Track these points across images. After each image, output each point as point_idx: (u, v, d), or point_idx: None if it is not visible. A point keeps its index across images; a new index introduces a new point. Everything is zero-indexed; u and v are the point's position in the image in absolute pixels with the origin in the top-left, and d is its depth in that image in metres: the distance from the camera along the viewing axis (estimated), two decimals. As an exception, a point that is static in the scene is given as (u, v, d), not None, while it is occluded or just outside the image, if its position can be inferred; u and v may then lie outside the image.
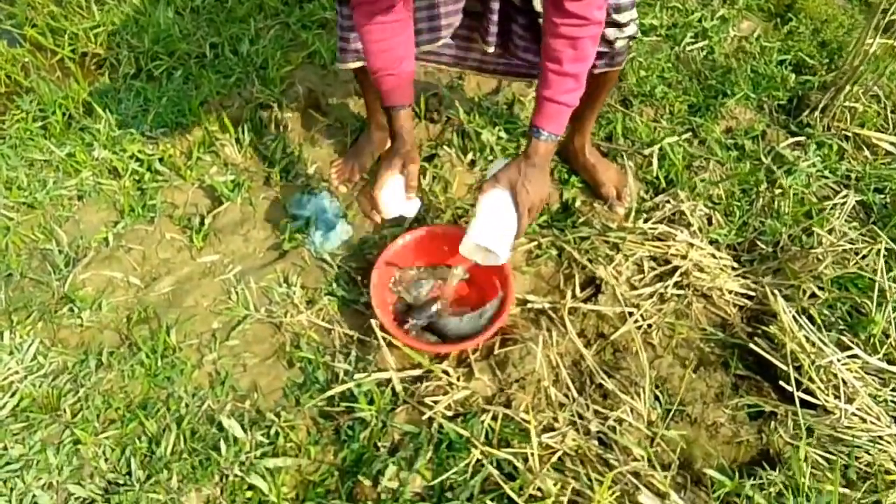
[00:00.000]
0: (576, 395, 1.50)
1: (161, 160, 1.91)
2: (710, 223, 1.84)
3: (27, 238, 1.73)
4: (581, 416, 1.47)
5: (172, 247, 1.75)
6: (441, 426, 1.40)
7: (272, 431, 1.38)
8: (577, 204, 1.89)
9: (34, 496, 1.23)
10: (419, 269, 1.71)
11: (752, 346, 1.56)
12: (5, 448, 1.30)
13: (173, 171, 1.90)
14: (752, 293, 1.71)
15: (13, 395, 1.39)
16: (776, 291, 1.62)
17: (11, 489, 1.23)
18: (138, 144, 1.93)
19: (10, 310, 1.54)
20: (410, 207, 1.51)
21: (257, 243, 1.79)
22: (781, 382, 1.50)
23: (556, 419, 1.45)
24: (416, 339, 1.53)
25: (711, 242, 1.79)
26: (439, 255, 1.69)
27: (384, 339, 1.51)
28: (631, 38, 1.58)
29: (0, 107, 2.15)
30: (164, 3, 2.44)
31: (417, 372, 1.50)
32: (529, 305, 1.65)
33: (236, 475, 1.27)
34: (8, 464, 1.28)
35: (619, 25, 1.54)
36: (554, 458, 1.37)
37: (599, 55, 1.61)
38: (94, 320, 1.56)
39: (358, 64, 1.66)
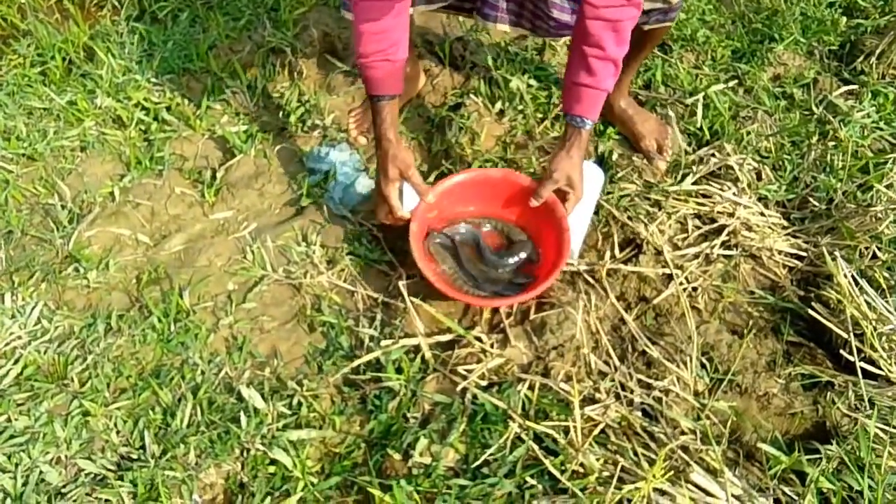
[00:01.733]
0: (617, 363, 1.40)
1: (168, 109, 1.79)
2: (758, 178, 1.71)
3: (27, 192, 1.62)
4: (623, 387, 1.37)
5: (183, 202, 1.63)
6: (475, 396, 1.30)
7: (294, 401, 1.28)
8: (615, 158, 1.76)
9: (41, 472, 1.14)
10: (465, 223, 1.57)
11: (808, 311, 1.45)
12: (9, 420, 1.21)
13: (182, 120, 1.77)
14: (805, 254, 1.59)
15: (16, 362, 1.29)
16: (833, 252, 1.50)
17: (16, 464, 1.14)
18: (143, 92, 1.80)
19: (12, 270, 1.44)
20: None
21: (273, 198, 1.68)
22: (840, 351, 1.39)
23: (597, 389, 1.35)
24: (446, 284, 1.42)
25: (760, 199, 1.67)
26: (489, 202, 1.56)
27: (412, 301, 1.40)
28: None
29: (-5, 51, 2.02)
30: (167, -60, 2.27)
31: (448, 337, 1.40)
32: (566, 268, 1.54)
33: (258, 449, 1.18)
34: (12, 437, 1.18)
35: None
36: (596, 432, 1.28)
37: (653, 11, 1.48)
38: (101, 281, 1.45)
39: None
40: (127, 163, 1.69)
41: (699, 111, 1.81)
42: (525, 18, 1.56)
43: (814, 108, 1.85)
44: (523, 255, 1.51)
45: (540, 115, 1.84)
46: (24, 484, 1.12)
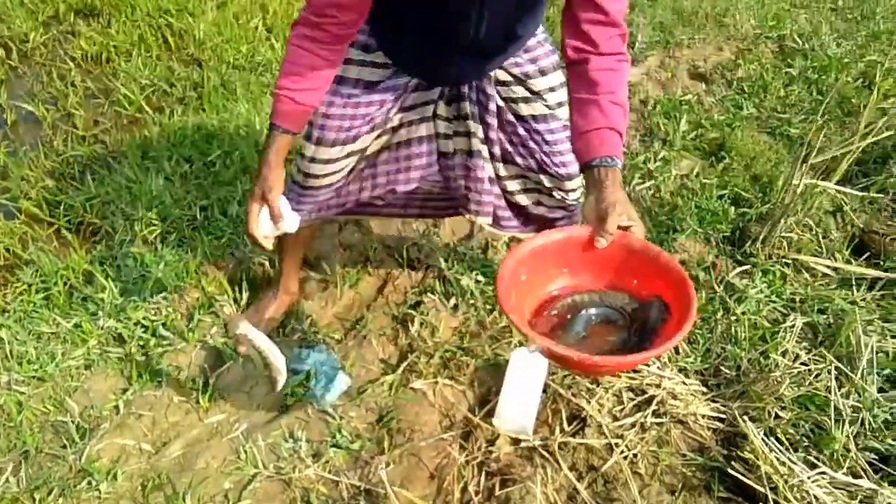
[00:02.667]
0: (575, 530, 1.60)
1: (164, 325, 2.02)
2: (677, 352, 2.01)
3: (38, 411, 1.80)
4: (582, 551, 1.56)
5: (180, 409, 1.83)
6: (454, 573, 1.47)
7: (293, 592, 1.43)
8: (556, 341, 2.05)
9: None
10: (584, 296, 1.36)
11: (729, 470, 1.70)
12: None
13: (176, 334, 2.01)
14: (723, 416, 1.86)
15: (40, 576, 1.42)
16: (744, 417, 1.78)
17: None
18: (141, 311, 2.04)
19: (32, 488, 1.59)
20: (290, 224, 1.56)
21: (260, 399, 1.89)
22: (761, 503, 1.63)
23: (559, 556, 1.54)
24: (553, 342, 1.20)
25: (681, 370, 1.96)
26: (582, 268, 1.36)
27: (392, 489, 1.60)
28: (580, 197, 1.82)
29: (0, 279, 2.25)
30: (154, 171, 2.62)
31: (426, 520, 1.58)
32: (522, 444, 1.77)
33: None
34: None
35: (568, 191, 1.81)
36: None
37: (562, 218, 1.87)
38: (110, 491, 1.61)
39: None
40: (128, 377, 1.89)
41: (622, 297, 2.14)
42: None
43: (715, 288, 2.21)
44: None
45: (489, 307, 2.15)
46: None
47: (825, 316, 2.13)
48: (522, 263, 1.30)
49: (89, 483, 1.62)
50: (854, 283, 2.22)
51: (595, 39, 1.37)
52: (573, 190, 1.82)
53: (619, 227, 1.28)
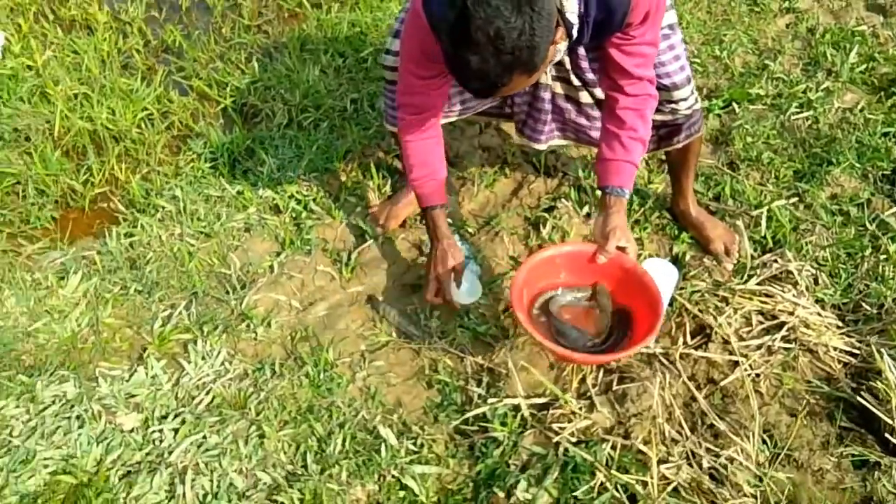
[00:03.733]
0: (688, 433, 1.64)
1: (314, 200, 2.18)
2: (816, 283, 1.96)
3: (205, 262, 2.02)
4: (693, 454, 1.60)
5: (325, 276, 2.00)
6: (567, 450, 1.56)
7: (418, 441, 1.57)
8: (688, 258, 2.04)
9: (230, 478, 1.46)
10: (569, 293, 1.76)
11: (858, 398, 1.67)
12: (204, 437, 1.54)
13: (325, 210, 2.16)
14: (857, 351, 1.81)
15: (208, 393, 1.65)
16: (882, 350, 1.73)
17: (212, 471, 1.47)
18: (295, 186, 2.21)
19: (200, 322, 1.82)
20: (473, 295, 1.88)
21: (396, 277, 2.02)
22: (886, 435, 1.60)
23: (670, 453, 1.59)
24: (544, 335, 1.60)
25: (817, 301, 1.91)
26: (584, 275, 1.75)
27: (514, 368, 1.69)
28: (695, 109, 1.84)
29: (174, 147, 2.48)
30: (311, 63, 2.76)
31: (544, 400, 1.67)
32: (644, 350, 1.81)
33: (393, 475, 1.47)
34: (207, 450, 1.52)
35: (678, 101, 1.79)
36: (669, 489, 1.52)
37: (678, 129, 1.88)
38: (265, 336, 1.81)
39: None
40: (282, 242, 2.08)
41: (763, 222, 2.09)
42: (570, 130, 1.94)
43: (867, 225, 2.10)
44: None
45: (622, 220, 2.15)
46: (218, 486, 1.44)
47: None
48: (534, 270, 1.69)
49: (247, 326, 1.82)
50: None
51: (623, 86, 1.59)
52: (683, 99, 1.80)
53: (618, 248, 1.63)
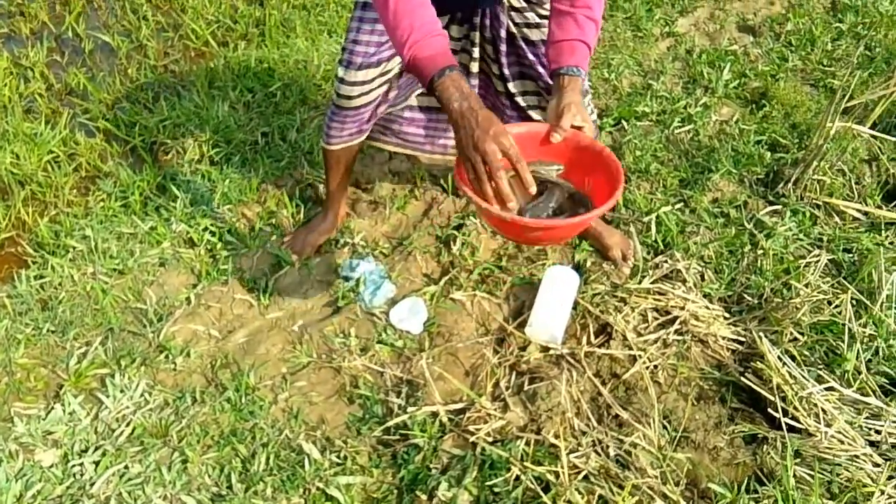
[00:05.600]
0: (595, 424, 1.76)
1: (229, 231, 2.22)
2: (702, 279, 2.14)
3: (120, 298, 2.02)
4: (600, 442, 1.72)
5: (244, 304, 2.04)
6: (483, 449, 1.65)
7: (342, 454, 1.63)
8: (588, 265, 2.19)
9: (154, 504, 1.48)
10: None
11: (744, 380, 1.83)
12: (126, 467, 1.55)
13: (240, 241, 2.21)
14: (742, 339, 1.99)
15: (128, 424, 1.65)
16: (762, 335, 1.91)
17: (135, 499, 1.48)
18: (209, 219, 2.24)
19: (118, 357, 1.82)
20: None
21: (314, 301, 2.08)
22: (771, 411, 1.77)
23: (579, 444, 1.70)
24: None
25: (705, 296, 2.08)
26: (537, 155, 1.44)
27: (431, 377, 1.78)
28: (593, 121, 1.89)
29: (83, 189, 2.47)
30: (220, 99, 2.81)
31: (461, 405, 1.76)
32: (551, 351, 1.93)
33: (317, 488, 1.52)
34: (130, 479, 1.53)
35: None
36: (580, 476, 1.63)
37: None
38: (185, 365, 1.83)
39: (336, 147, 1.98)
40: (198, 274, 2.10)
41: (653, 227, 2.27)
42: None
43: (745, 224, 2.31)
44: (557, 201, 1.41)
45: (527, 233, 2.29)
46: (142, 513, 1.45)
47: (850, 255, 2.22)
48: None
49: (166, 357, 1.84)
50: (883, 227, 2.30)
51: None
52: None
53: (573, 126, 1.41)
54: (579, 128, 1.42)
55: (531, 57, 1.85)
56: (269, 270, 2.16)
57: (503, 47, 1.84)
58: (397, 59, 1.82)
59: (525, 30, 1.82)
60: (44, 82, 2.93)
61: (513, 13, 1.80)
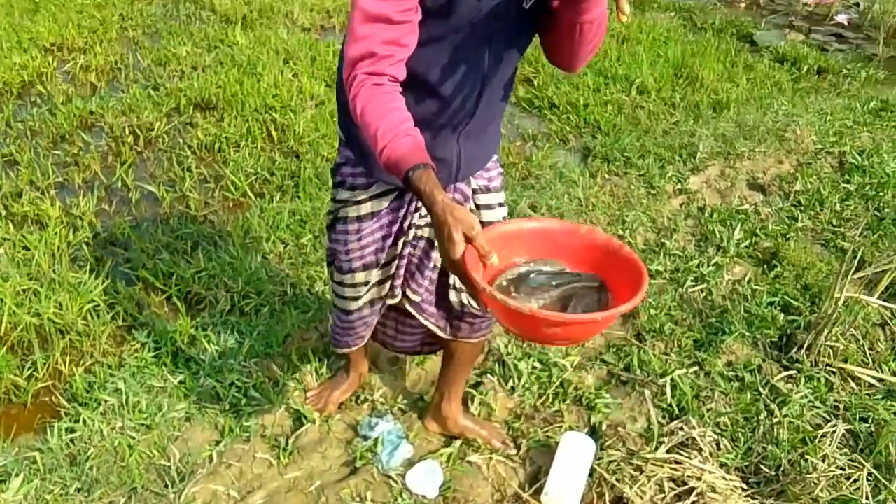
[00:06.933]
0: None
1: (254, 386, 2.30)
2: (718, 448, 2.14)
3: (145, 455, 2.08)
4: None
5: (264, 464, 2.08)
6: None
7: None
8: (604, 428, 2.21)
9: None
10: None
11: (761, 562, 1.80)
12: None
13: (264, 396, 2.28)
14: (761, 512, 1.97)
15: None
16: (780, 513, 1.89)
17: None
18: (236, 374, 2.33)
19: (139, 520, 1.86)
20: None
21: (333, 461, 2.12)
22: None
23: None
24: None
25: (722, 465, 2.09)
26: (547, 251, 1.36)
27: None
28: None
29: (119, 338, 2.59)
30: (254, 251, 2.98)
31: (474, 581, 1.75)
32: (568, 521, 1.93)
33: None
34: None
35: None
36: None
37: (481, 324, 1.89)
38: (203, 529, 1.86)
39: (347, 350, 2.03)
40: (221, 430, 2.16)
41: (668, 391, 2.30)
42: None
43: (760, 389, 2.34)
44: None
45: (541, 391, 2.34)
46: None
47: (867, 424, 2.22)
48: (492, 243, 1.24)
49: (186, 521, 1.87)
50: (899, 394, 2.32)
51: None
52: None
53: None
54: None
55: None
56: (291, 427, 2.21)
57: None
58: (383, 254, 1.76)
59: (479, 212, 1.74)
60: (91, 231, 3.13)
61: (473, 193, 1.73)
